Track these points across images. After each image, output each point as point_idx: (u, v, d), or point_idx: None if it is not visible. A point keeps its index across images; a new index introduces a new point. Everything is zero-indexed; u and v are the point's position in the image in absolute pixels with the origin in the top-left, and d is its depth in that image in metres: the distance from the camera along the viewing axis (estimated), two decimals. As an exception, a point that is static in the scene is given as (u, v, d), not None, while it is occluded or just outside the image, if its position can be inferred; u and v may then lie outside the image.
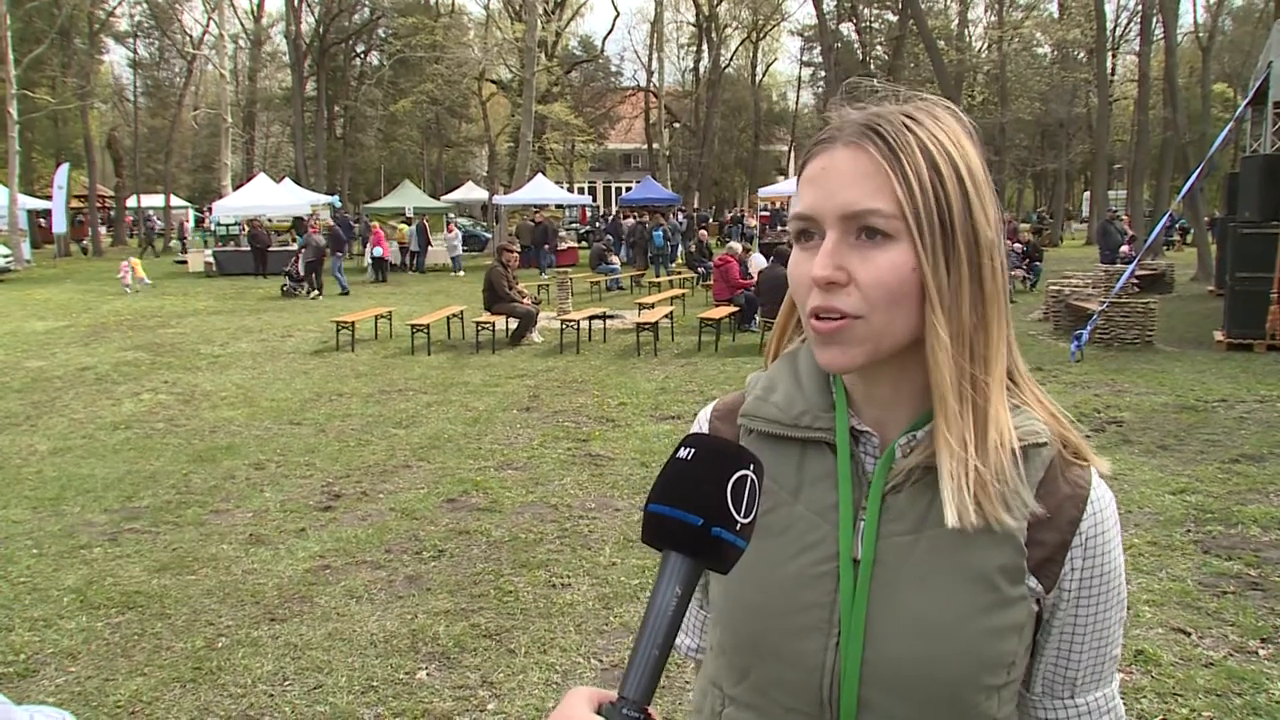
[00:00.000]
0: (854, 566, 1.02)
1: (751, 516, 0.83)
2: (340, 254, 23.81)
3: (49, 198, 36.36)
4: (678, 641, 1.24)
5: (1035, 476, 1.01)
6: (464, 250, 32.82)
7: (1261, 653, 4.35)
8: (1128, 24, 48.14)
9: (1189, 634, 4.54)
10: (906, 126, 0.98)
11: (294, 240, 32.30)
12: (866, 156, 0.97)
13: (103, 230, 45.03)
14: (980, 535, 0.98)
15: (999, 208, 1.02)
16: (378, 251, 26.53)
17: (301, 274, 22.73)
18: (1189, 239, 33.96)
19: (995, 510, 0.97)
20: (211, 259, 29.78)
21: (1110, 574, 1.04)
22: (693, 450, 0.84)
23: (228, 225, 31.72)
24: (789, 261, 1.03)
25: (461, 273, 28.89)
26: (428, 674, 4.28)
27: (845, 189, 0.96)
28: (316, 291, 22.49)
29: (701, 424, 1.21)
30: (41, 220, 39.52)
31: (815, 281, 0.96)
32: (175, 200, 50.67)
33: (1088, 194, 51.23)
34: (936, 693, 0.98)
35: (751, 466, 0.84)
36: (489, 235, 35.24)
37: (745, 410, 1.13)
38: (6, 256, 28.54)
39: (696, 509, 0.80)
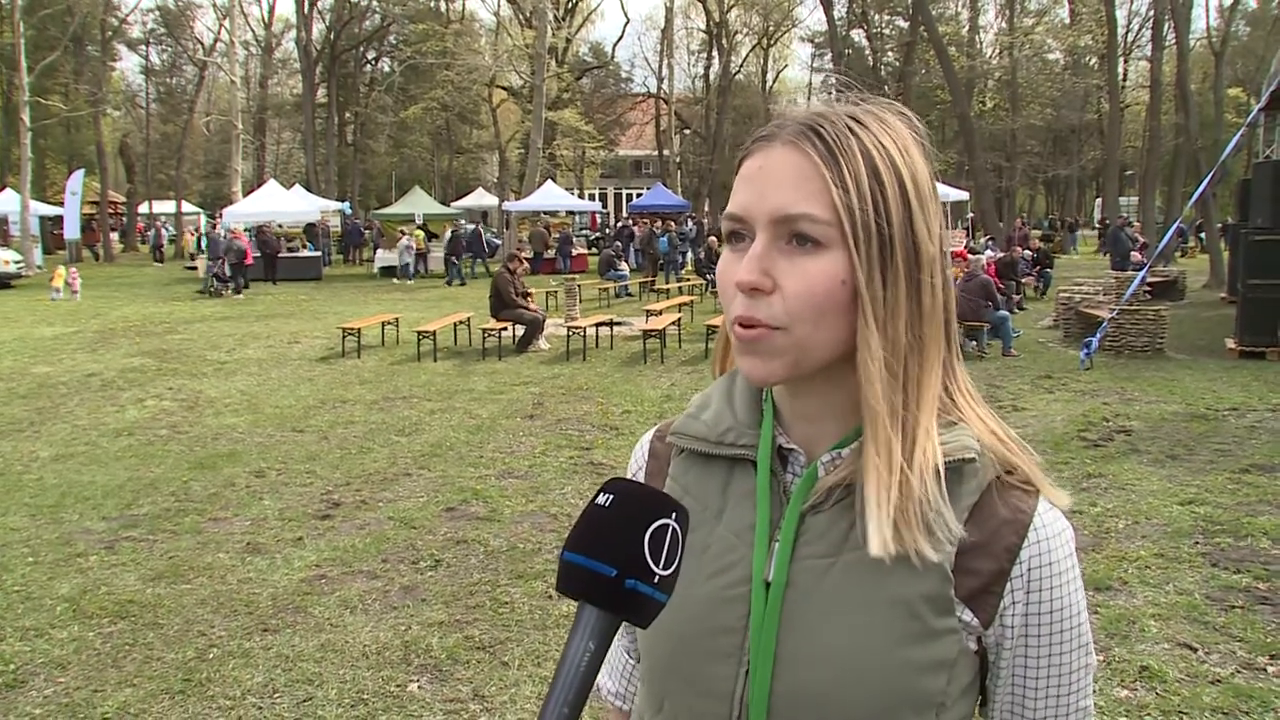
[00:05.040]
0: (765, 589, 0.96)
1: (672, 568, 0.77)
2: (218, 260, 25.48)
3: (61, 203, 36.49)
4: (599, 682, 1.19)
5: (966, 500, 0.93)
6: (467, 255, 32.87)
7: (1270, 670, 4.26)
8: (1139, 29, 48.16)
9: (1195, 649, 4.45)
10: (849, 129, 0.92)
11: (304, 246, 32.49)
12: (803, 157, 0.91)
13: (114, 236, 45.14)
14: (901, 560, 0.91)
15: (943, 222, 0.97)
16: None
17: (228, 275, 24.87)
18: (1201, 239, 33.67)
19: (915, 538, 0.90)
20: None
21: (1064, 612, 0.95)
22: (611, 497, 0.79)
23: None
24: (718, 262, 0.98)
25: (410, 281, 28.55)
26: (419, 686, 4.22)
27: (778, 191, 0.91)
28: (243, 287, 25.14)
29: (643, 445, 1.16)
30: (54, 226, 39.63)
31: (739, 286, 0.91)
32: (187, 206, 50.85)
33: (1099, 200, 51.03)
34: None
35: (675, 515, 0.79)
36: (499, 241, 35.24)
37: (674, 428, 1.08)
38: (18, 262, 28.64)
39: (610, 559, 0.75)
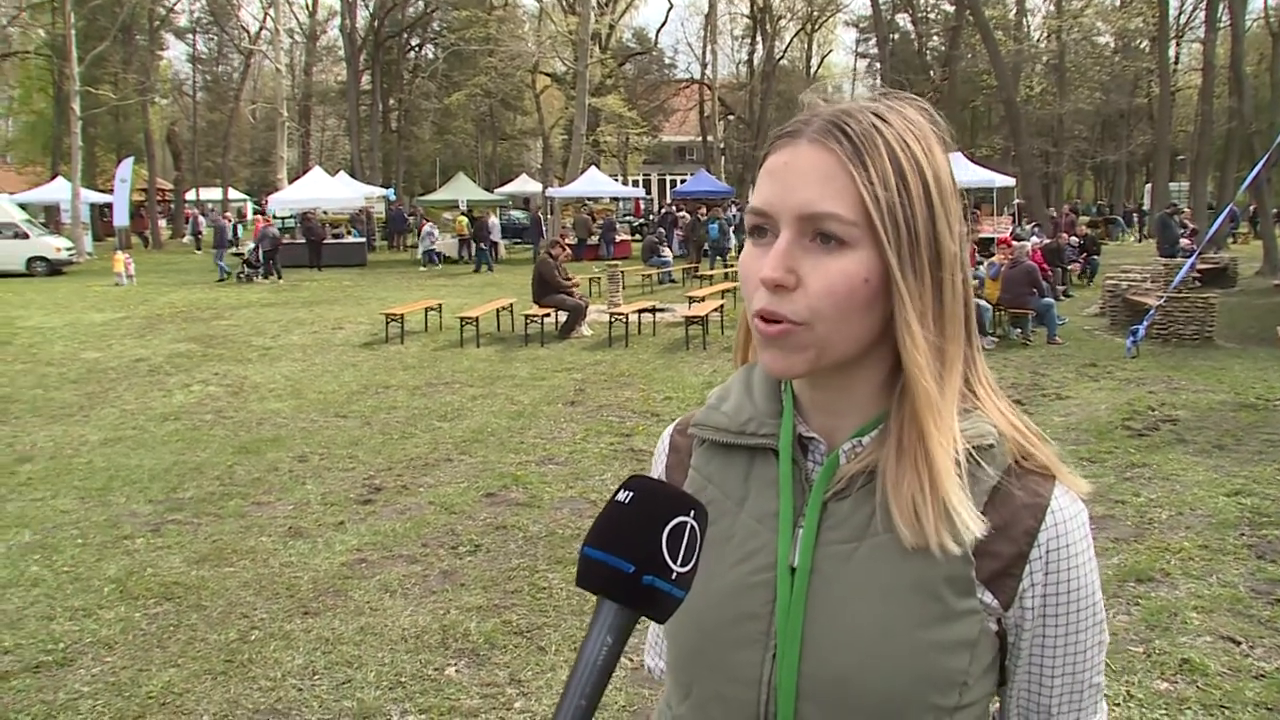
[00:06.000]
0: (791, 575, 0.98)
1: (690, 565, 0.79)
2: (224, 248, 26.14)
3: (110, 191, 37.00)
4: (649, 664, 1.23)
5: (985, 484, 0.96)
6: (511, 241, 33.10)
7: (1316, 663, 4.18)
8: (1193, 10, 47.09)
9: (1239, 643, 4.38)
10: (875, 127, 0.93)
11: (349, 233, 32.77)
12: (830, 155, 0.92)
13: (162, 223, 45.73)
14: (923, 545, 0.94)
15: (963, 220, 0.98)
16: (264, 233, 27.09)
17: (260, 262, 25.28)
18: (1254, 225, 32.94)
19: (937, 526, 0.92)
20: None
21: (1080, 592, 0.97)
22: (631, 493, 0.81)
23: (283, 218, 32.09)
24: (740, 255, 0.99)
25: (435, 266, 28.59)
26: (456, 671, 4.26)
27: (804, 188, 0.92)
28: (276, 277, 25.10)
29: (664, 440, 1.18)
30: (104, 214, 40.19)
31: (763, 282, 0.92)
32: (233, 193, 51.42)
33: (1149, 186, 50.27)
34: (878, 709, 0.94)
35: (693, 513, 0.80)
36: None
37: (696, 420, 1.11)
38: (69, 249, 29.10)
39: (629, 555, 0.77)
